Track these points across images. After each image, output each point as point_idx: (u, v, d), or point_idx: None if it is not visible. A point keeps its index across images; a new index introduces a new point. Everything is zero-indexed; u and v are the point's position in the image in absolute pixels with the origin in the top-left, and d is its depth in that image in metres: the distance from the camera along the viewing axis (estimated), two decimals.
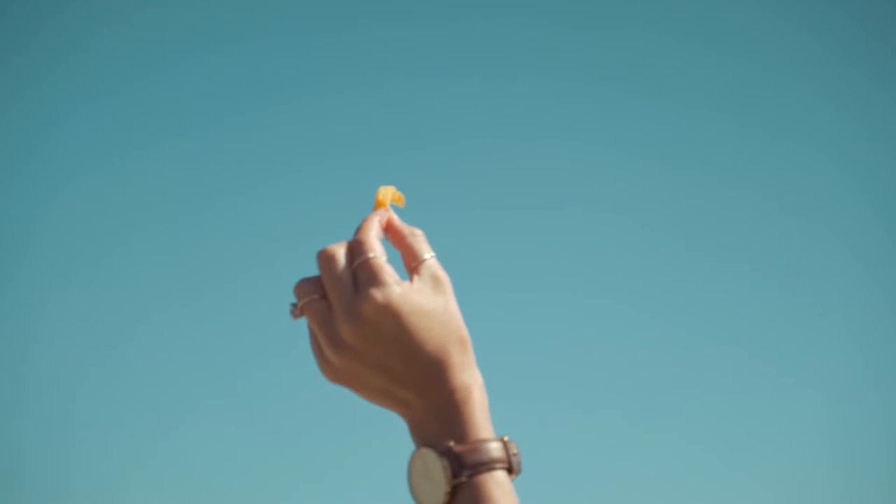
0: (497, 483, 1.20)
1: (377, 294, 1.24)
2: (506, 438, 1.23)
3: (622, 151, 5.86)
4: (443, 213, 5.63)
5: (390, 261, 1.28)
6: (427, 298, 1.26)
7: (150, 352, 5.51)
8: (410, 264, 1.30)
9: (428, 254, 1.30)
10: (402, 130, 5.77)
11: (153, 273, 5.55)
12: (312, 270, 1.29)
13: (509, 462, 1.22)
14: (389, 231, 1.32)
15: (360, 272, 1.26)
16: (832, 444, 5.51)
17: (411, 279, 1.28)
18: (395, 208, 1.34)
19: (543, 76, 5.84)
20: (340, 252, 1.28)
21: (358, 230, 1.29)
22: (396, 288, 1.25)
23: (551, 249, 5.80)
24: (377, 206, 1.34)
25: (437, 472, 1.20)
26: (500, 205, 5.79)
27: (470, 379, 1.25)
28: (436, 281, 1.28)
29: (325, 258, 1.27)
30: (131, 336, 5.51)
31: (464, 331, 1.27)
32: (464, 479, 1.20)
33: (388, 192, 1.35)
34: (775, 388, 5.74)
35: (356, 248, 1.27)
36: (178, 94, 5.64)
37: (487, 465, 1.20)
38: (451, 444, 1.21)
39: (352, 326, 1.23)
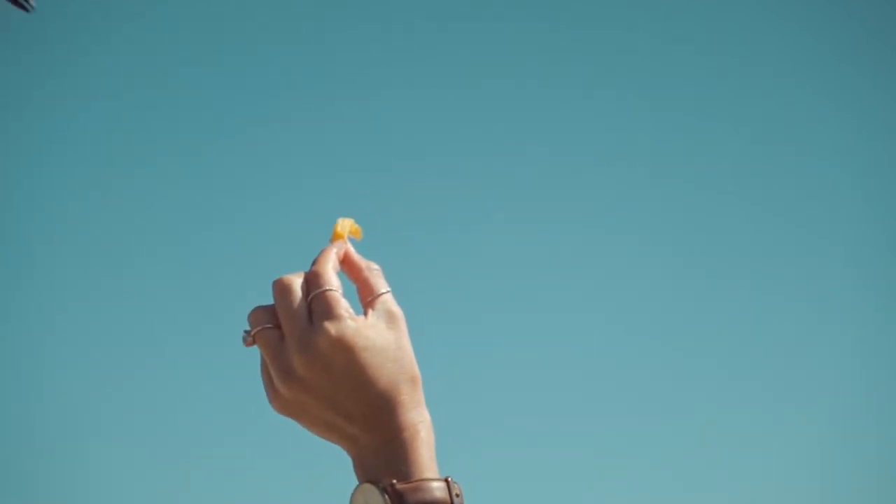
0: None
1: (331, 328, 1.24)
2: (449, 479, 1.23)
3: (621, 152, 5.85)
4: (444, 212, 5.62)
5: (346, 294, 1.28)
6: (380, 334, 1.26)
7: (154, 359, 5.51)
8: (365, 298, 1.29)
9: (384, 288, 1.30)
10: (401, 129, 5.77)
11: (163, 283, 5.56)
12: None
13: (451, 502, 1.22)
14: (346, 264, 1.31)
15: (316, 304, 1.26)
16: (832, 443, 5.50)
17: (365, 313, 1.28)
18: (353, 241, 1.35)
19: (542, 76, 5.83)
20: (297, 283, 1.27)
21: (315, 262, 1.29)
22: (351, 322, 1.25)
23: (550, 249, 5.80)
24: (335, 237, 1.33)
25: None
26: (499, 205, 5.79)
27: (418, 417, 1.25)
28: (390, 317, 1.28)
29: (281, 288, 1.27)
30: (134, 344, 5.52)
31: (415, 369, 1.27)
32: None
33: (346, 225, 1.34)
34: (775, 388, 5.72)
35: (312, 280, 1.27)
36: (177, 99, 5.64)
37: None
38: (394, 481, 1.21)
39: (303, 358, 1.24)
